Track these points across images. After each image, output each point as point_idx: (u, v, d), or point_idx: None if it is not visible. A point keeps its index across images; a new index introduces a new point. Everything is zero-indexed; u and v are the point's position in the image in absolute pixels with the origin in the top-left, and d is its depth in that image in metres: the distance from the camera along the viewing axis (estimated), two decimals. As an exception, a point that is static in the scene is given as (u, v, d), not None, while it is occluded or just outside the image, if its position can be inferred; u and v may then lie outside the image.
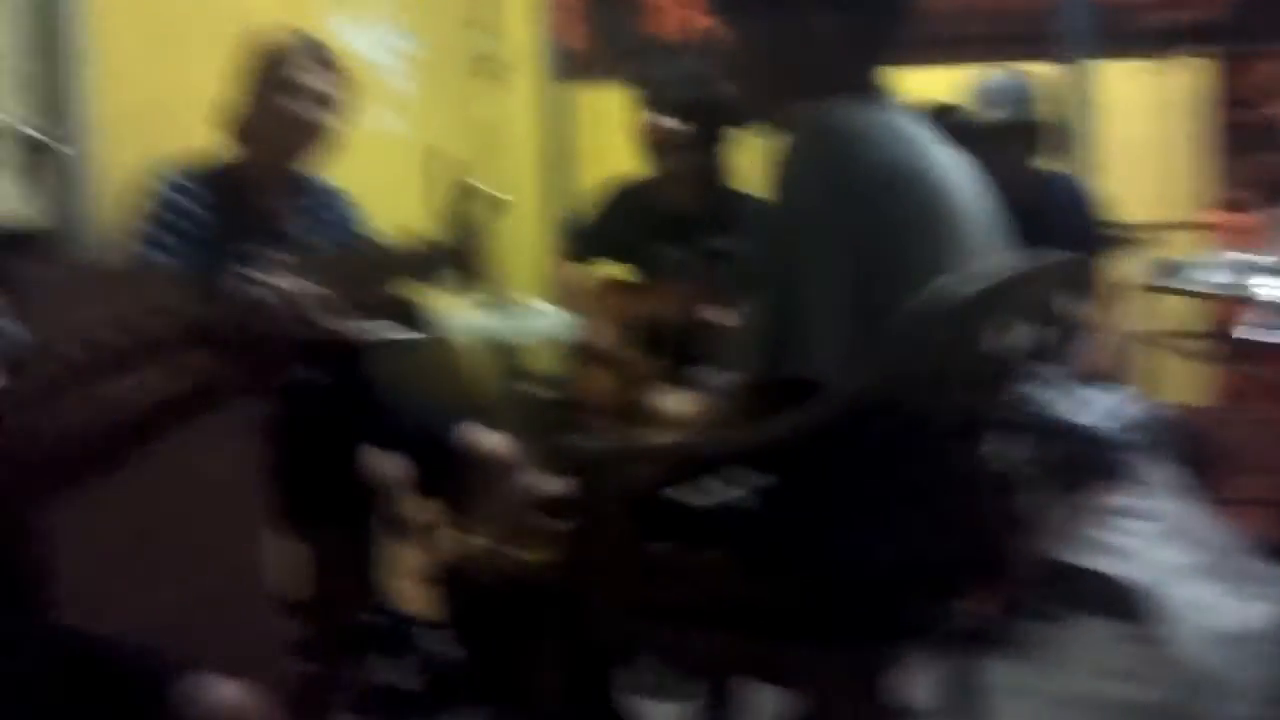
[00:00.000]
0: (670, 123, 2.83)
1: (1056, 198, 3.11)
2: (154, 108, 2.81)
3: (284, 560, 2.03)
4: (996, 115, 2.96)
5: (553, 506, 1.62)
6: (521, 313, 3.69)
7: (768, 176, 1.48)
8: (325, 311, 1.16)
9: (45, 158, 2.52)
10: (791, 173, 1.45)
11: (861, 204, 1.42)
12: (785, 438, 1.39)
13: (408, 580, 2.87)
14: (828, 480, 1.42)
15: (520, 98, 4.41)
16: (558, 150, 4.44)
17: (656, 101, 2.88)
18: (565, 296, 3.26)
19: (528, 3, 4.41)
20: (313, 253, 2.48)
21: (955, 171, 1.55)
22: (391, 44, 3.78)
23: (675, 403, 2.82)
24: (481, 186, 1.50)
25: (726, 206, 2.86)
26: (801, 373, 1.40)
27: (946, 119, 3.60)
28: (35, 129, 2.48)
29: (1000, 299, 1.45)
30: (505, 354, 3.68)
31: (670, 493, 1.50)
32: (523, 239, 4.41)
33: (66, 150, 2.53)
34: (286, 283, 1.13)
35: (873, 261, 1.42)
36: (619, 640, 1.56)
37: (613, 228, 3.09)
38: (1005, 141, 2.92)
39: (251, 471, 1.85)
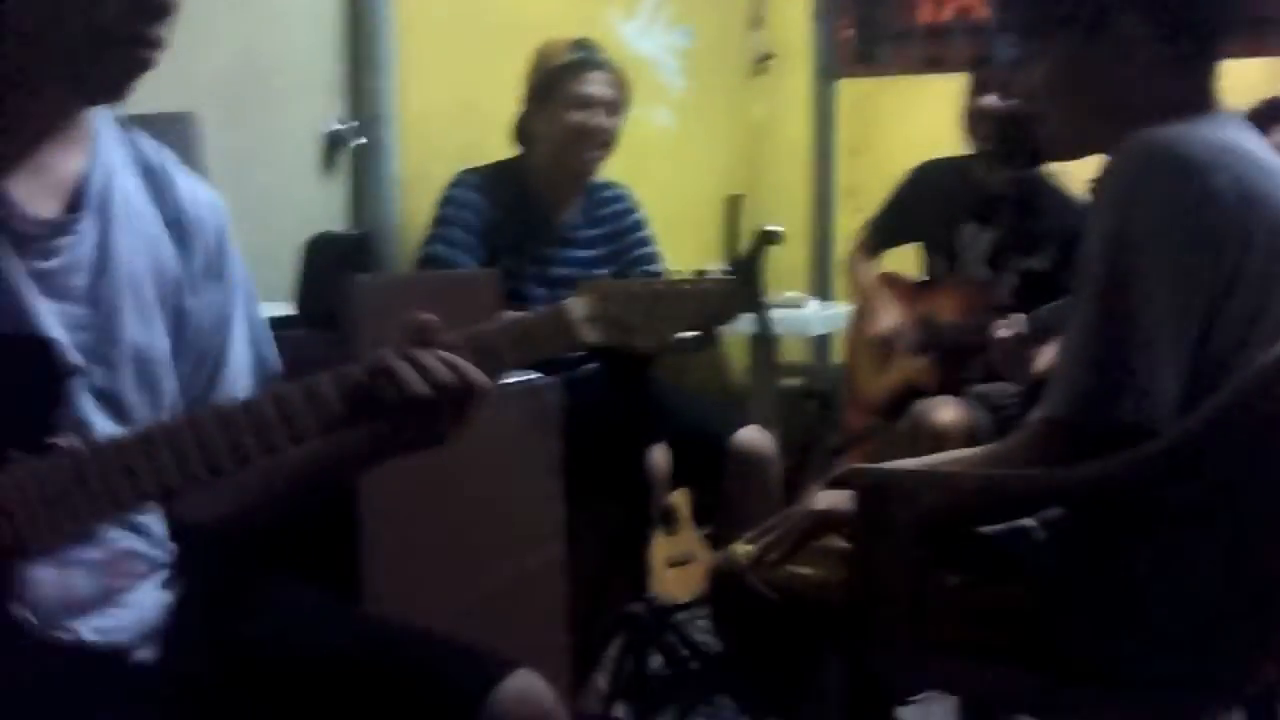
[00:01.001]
0: (993, 101, 2.72)
1: None
2: (454, 110, 2.93)
3: (564, 546, 2.08)
4: None
5: (835, 524, 1.58)
6: (793, 308, 3.66)
7: (1095, 205, 1.37)
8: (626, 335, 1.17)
9: (355, 157, 2.68)
10: (1126, 202, 1.32)
11: (1206, 235, 1.29)
12: (1111, 481, 1.29)
13: (670, 569, 2.91)
14: (1141, 524, 1.31)
15: (792, 93, 4.36)
16: (827, 144, 4.37)
17: (987, 81, 2.78)
18: (850, 290, 3.20)
19: (801, 1, 4.35)
20: (614, 271, 2.57)
21: None
22: (670, 42, 3.81)
23: (947, 412, 2.74)
24: (772, 228, 1.47)
25: (1040, 194, 2.74)
26: (1132, 417, 1.29)
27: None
28: (346, 130, 2.64)
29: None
30: (775, 349, 3.64)
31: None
32: (793, 233, 4.37)
33: (374, 150, 2.68)
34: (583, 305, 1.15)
35: (1218, 298, 1.29)
36: (901, 669, 1.51)
37: (915, 208, 2.97)
38: None
39: (545, 459, 1.88)
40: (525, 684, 1.09)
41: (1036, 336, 2.51)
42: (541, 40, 2.64)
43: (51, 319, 1.00)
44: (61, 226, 1.02)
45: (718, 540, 2.90)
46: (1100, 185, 1.38)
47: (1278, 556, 1.34)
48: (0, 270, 0.98)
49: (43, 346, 0.98)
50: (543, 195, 2.57)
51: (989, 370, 2.77)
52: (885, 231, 3.07)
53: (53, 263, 1.01)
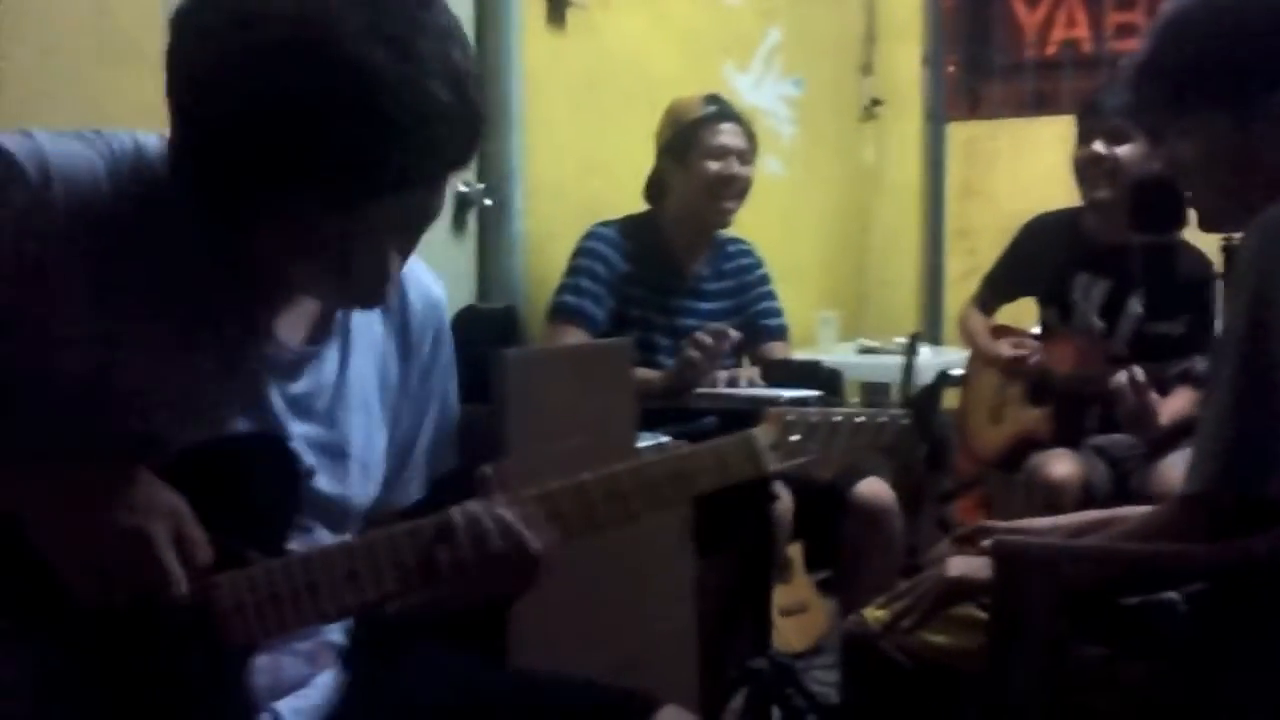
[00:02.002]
0: (1108, 149, 2.69)
1: None
2: (579, 169, 2.99)
3: (694, 603, 2.10)
4: None
5: (969, 591, 1.57)
6: (906, 354, 3.63)
7: (1233, 280, 1.36)
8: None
9: (483, 218, 2.75)
10: (1263, 277, 1.31)
11: None
12: (1260, 559, 1.27)
13: (784, 618, 2.90)
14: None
15: (903, 137, 4.36)
16: (937, 187, 4.35)
17: (1095, 128, 2.75)
18: (965, 342, 3.18)
19: (911, 44, 4.35)
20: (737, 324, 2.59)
21: None
22: (782, 92, 3.84)
23: (1062, 465, 2.69)
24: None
25: (1174, 259, 2.70)
26: (1276, 493, 1.28)
27: None
28: (474, 192, 2.71)
29: None
30: (887, 395, 3.62)
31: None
32: (906, 277, 4.36)
33: (502, 210, 2.74)
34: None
35: None
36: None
37: (1027, 263, 2.95)
38: None
39: (678, 519, 1.90)
40: (675, 716, 1.14)
41: (1161, 389, 2.47)
42: (665, 97, 2.70)
43: (296, 436, 1.06)
44: (308, 355, 1.08)
45: (831, 588, 2.89)
46: (1237, 262, 1.36)
47: None
48: (262, 393, 1.05)
49: (283, 454, 1.04)
50: (674, 247, 2.63)
51: (1107, 422, 2.72)
52: (999, 287, 3.06)
53: (299, 386, 1.07)
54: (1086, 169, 2.76)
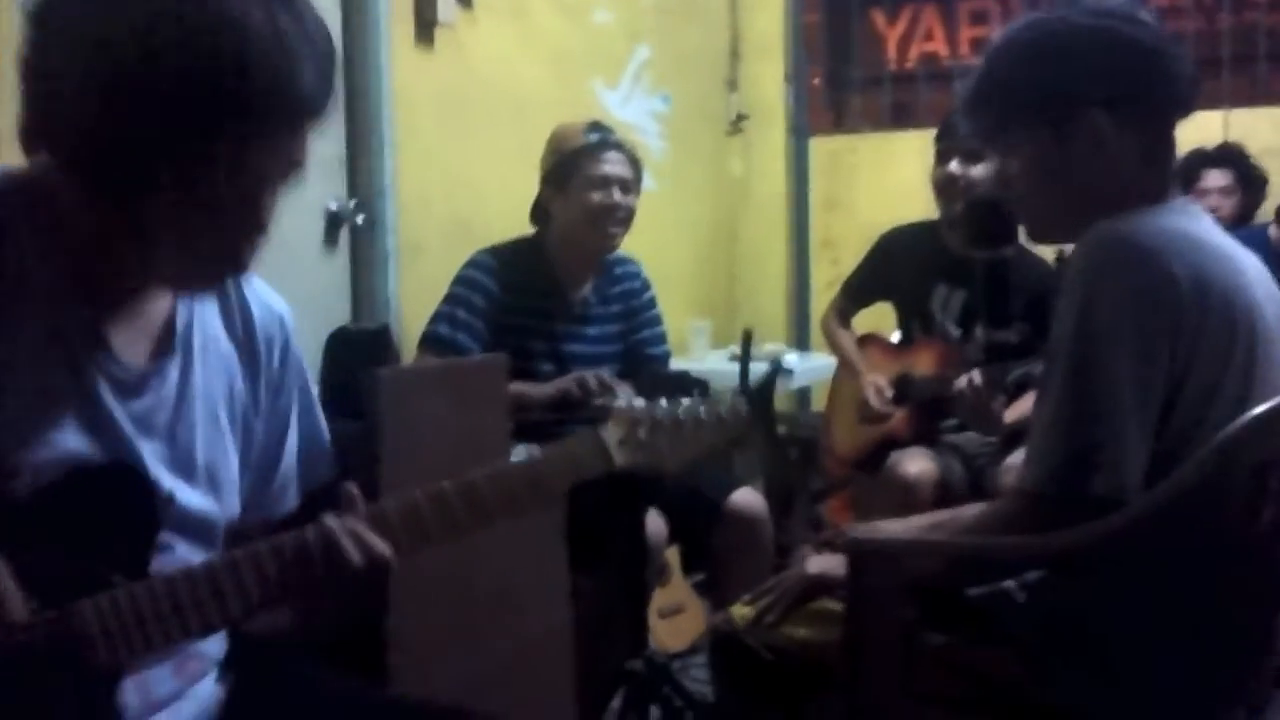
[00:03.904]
0: (963, 169, 2.83)
1: None
2: (448, 185, 3.01)
3: (569, 609, 2.14)
4: None
5: (827, 587, 1.65)
6: (772, 362, 3.74)
7: (1063, 292, 1.47)
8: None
9: (354, 234, 2.76)
10: (1090, 290, 1.40)
11: (1166, 319, 1.37)
12: (1087, 547, 1.37)
13: (662, 620, 2.97)
14: (1112, 588, 1.40)
15: (768, 151, 4.48)
16: (802, 199, 4.49)
17: (951, 149, 2.90)
18: (828, 346, 3.29)
19: (775, 60, 4.48)
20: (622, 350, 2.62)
21: (1260, 281, 1.48)
22: (650, 108, 3.92)
23: (917, 463, 2.83)
24: (786, 362, 1.58)
25: (1010, 271, 2.84)
26: (1103, 490, 1.36)
27: (1238, 164, 3.44)
28: (345, 209, 2.72)
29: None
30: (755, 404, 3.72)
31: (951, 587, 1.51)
32: (772, 288, 4.48)
33: (373, 227, 2.76)
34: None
35: (1178, 378, 1.37)
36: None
37: (886, 273, 3.08)
38: None
39: (550, 528, 1.95)
40: None
41: (1006, 391, 2.62)
42: (534, 114, 2.73)
43: (146, 454, 1.08)
44: (150, 372, 1.10)
45: (707, 590, 2.97)
46: (1067, 274, 1.47)
47: (1238, 618, 1.43)
48: (107, 412, 1.06)
49: (139, 480, 1.06)
50: (559, 273, 2.62)
51: (964, 421, 2.87)
52: (857, 294, 3.19)
53: (142, 403, 1.09)
54: (944, 187, 2.91)
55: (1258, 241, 3.05)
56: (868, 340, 3.16)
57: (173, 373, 1.12)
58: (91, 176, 1.00)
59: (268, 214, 1.05)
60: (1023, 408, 2.64)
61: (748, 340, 1.91)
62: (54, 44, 0.99)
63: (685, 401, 1.27)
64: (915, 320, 3.02)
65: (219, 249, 1.05)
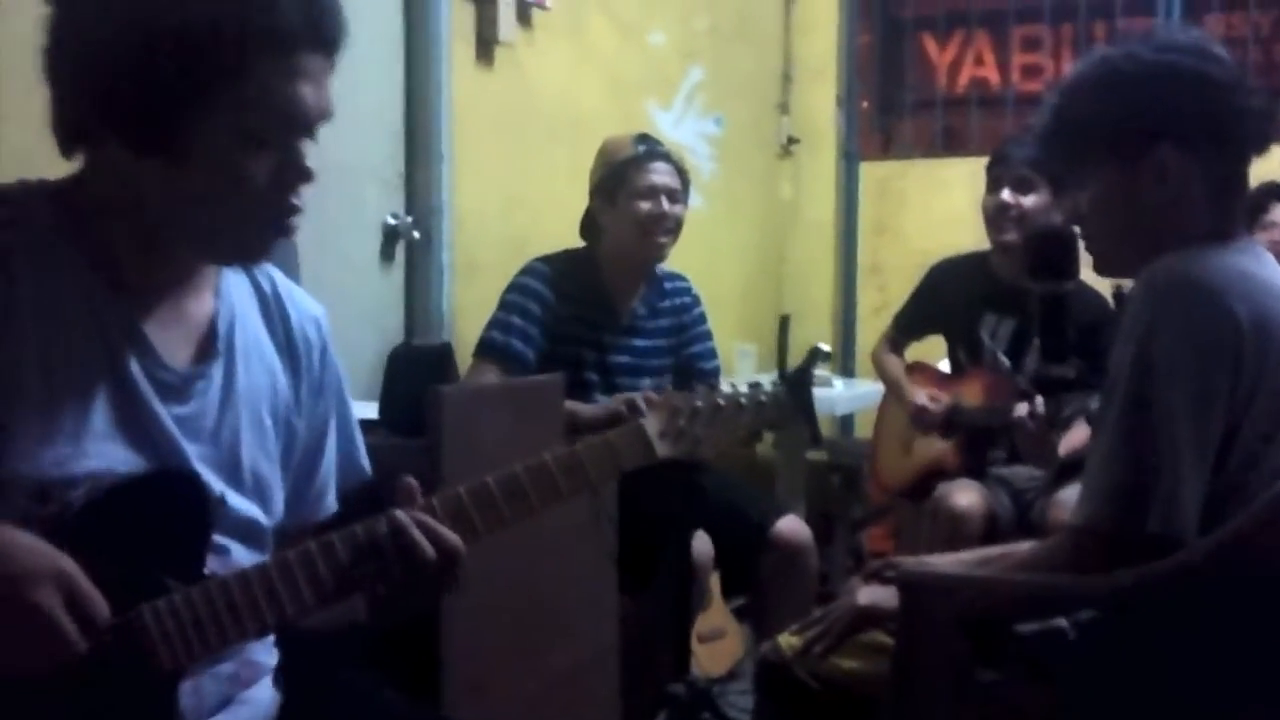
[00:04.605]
0: (1014, 198, 2.84)
1: None
2: (503, 202, 3.05)
3: (617, 631, 2.16)
4: None
5: (877, 619, 1.66)
6: (819, 386, 3.74)
7: (1122, 328, 1.47)
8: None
9: (410, 249, 2.79)
10: (1149, 327, 1.40)
11: (1226, 358, 1.37)
12: (1141, 590, 1.37)
13: (702, 644, 2.97)
14: (1167, 630, 1.40)
15: (818, 175, 4.49)
16: (851, 224, 4.49)
17: (1003, 177, 2.89)
18: (879, 378, 3.29)
19: (827, 84, 4.49)
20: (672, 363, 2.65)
21: None
22: (702, 129, 3.94)
23: (966, 495, 2.81)
24: (823, 346, 1.59)
25: (1068, 307, 2.84)
26: (1158, 529, 1.36)
27: None
28: (402, 224, 2.75)
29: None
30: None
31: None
32: (821, 311, 4.48)
33: (429, 242, 2.79)
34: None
35: (1236, 418, 1.37)
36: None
37: (935, 304, 3.09)
38: None
39: (602, 550, 1.96)
40: None
41: (1058, 423, 2.60)
42: (589, 133, 2.75)
43: (194, 458, 1.10)
44: (194, 375, 1.13)
45: (746, 615, 2.98)
46: (1127, 309, 1.47)
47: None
48: (155, 417, 1.09)
49: (191, 483, 1.08)
50: (609, 285, 2.65)
51: (1013, 454, 2.86)
52: (908, 326, 3.19)
53: (188, 408, 1.12)
54: (995, 215, 2.91)
55: None
56: (915, 369, 3.16)
57: (217, 376, 1.14)
58: (126, 134, 1.03)
59: (303, 158, 1.07)
60: (1074, 441, 2.63)
61: (785, 326, 1.88)
62: (76, 19, 1.04)
63: (725, 389, 1.29)
64: (963, 348, 3.02)
65: (267, 199, 1.06)
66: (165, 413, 1.09)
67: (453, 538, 1.09)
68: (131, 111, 1.02)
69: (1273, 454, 1.39)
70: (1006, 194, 2.86)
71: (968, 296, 3.00)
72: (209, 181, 1.05)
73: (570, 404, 2.39)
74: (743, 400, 1.29)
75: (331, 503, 1.28)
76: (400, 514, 1.08)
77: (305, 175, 1.08)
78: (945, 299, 3.07)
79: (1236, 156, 1.52)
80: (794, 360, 1.52)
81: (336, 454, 1.28)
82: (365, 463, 1.31)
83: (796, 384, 1.38)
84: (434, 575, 1.08)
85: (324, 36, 1.06)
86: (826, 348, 1.62)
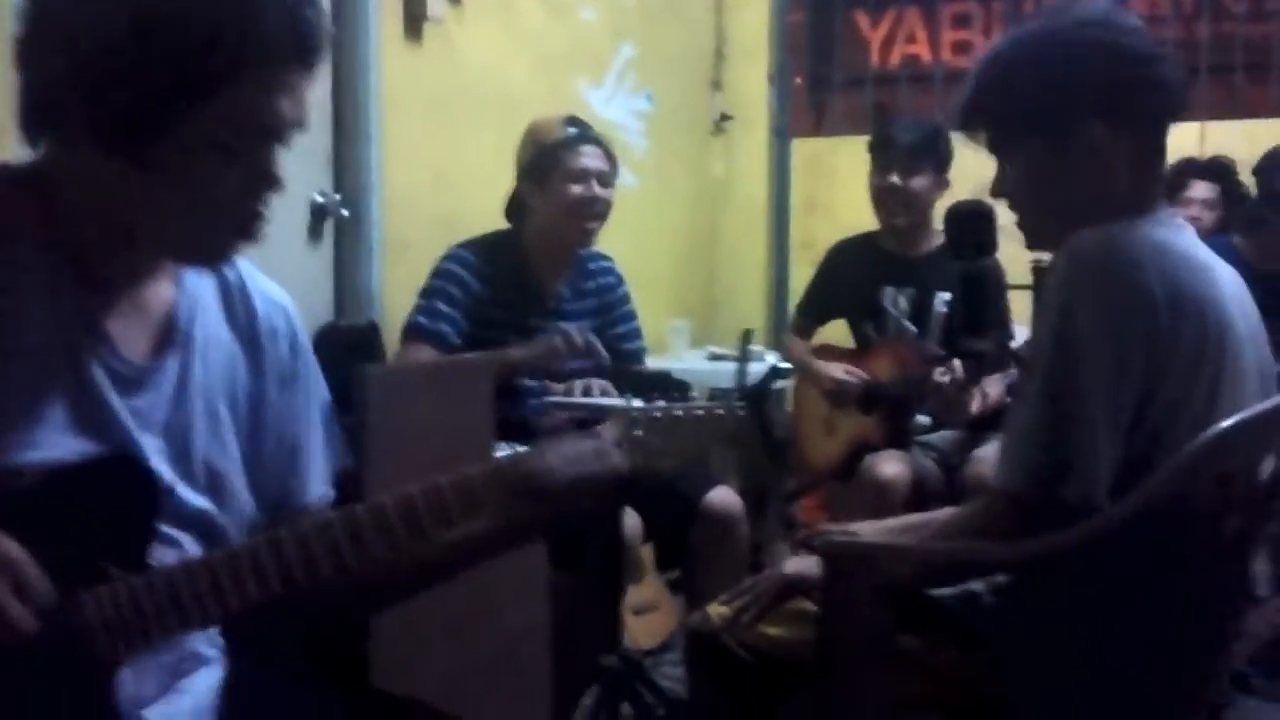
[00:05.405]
0: (903, 181, 2.95)
1: None
2: (433, 181, 3.04)
3: (546, 606, 2.18)
4: None
5: (803, 588, 1.69)
6: (740, 351, 3.77)
7: (1042, 299, 1.51)
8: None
9: (339, 227, 2.78)
10: (1067, 298, 1.45)
11: (1141, 331, 1.42)
12: (1056, 554, 1.41)
13: (635, 616, 3.01)
14: (1080, 592, 1.45)
15: (750, 152, 4.53)
16: (783, 201, 4.53)
17: (891, 161, 2.97)
18: (791, 364, 3.35)
19: (759, 62, 4.52)
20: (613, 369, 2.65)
21: (1233, 293, 1.53)
22: (634, 107, 3.95)
23: (891, 466, 2.88)
24: (782, 364, 1.60)
25: (985, 283, 2.91)
26: (1074, 495, 1.41)
27: (1225, 179, 3.51)
28: (331, 202, 2.74)
29: (1275, 428, 1.44)
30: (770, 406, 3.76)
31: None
32: (751, 289, 4.53)
33: (358, 220, 2.78)
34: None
35: (1149, 387, 1.42)
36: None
37: (835, 285, 3.19)
38: None
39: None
40: None
41: (970, 379, 2.68)
42: (519, 110, 2.74)
43: (147, 449, 1.10)
44: (151, 367, 1.12)
45: (680, 587, 3.02)
46: (1047, 280, 1.51)
47: (1200, 623, 1.49)
48: (107, 406, 1.08)
49: (137, 470, 1.08)
50: (534, 267, 2.65)
51: (935, 419, 2.93)
52: (813, 311, 3.29)
53: (142, 400, 1.11)
54: (884, 198, 3.01)
55: (1223, 251, 3.10)
56: (823, 351, 3.23)
57: (173, 368, 1.14)
58: (102, 135, 1.02)
59: (274, 167, 1.07)
60: (989, 398, 2.72)
61: (746, 340, 1.94)
62: (61, 10, 1.03)
63: (682, 400, 1.29)
64: (869, 322, 3.09)
65: (234, 206, 1.06)
66: (120, 404, 1.09)
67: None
68: (110, 114, 1.01)
69: (1181, 424, 1.44)
70: (895, 177, 2.95)
71: (865, 273, 3.10)
72: (178, 187, 1.04)
73: (498, 353, 2.40)
74: (700, 413, 1.28)
75: (319, 488, 1.27)
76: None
77: (275, 183, 1.08)
78: (844, 279, 3.17)
79: (1155, 128, 1.57)
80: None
81: (325, 455, 1.27)
82: (340, 451, 1.31)
83: (755, 400, 1.38)
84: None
85: (308, 50, 1.06)
86: (786, 365, 1.63)
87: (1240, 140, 3.80)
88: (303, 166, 2.69)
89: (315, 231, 2.72)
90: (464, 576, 1.72)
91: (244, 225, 1.09)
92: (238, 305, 1.21)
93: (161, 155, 1.03)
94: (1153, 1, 4.26)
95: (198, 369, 1.16)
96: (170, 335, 1.14)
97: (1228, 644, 1.58)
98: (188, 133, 1.02)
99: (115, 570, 1.03)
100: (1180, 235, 1.55)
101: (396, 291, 2.80)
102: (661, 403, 1.27)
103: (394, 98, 2.84)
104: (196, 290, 1.18)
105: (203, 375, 1.16)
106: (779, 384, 3.26)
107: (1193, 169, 3.67)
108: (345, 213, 2.74)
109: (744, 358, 1.96)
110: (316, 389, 1.28)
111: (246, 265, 1.23)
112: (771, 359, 3.95)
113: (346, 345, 1.82)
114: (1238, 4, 4.18)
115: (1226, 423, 1.39)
